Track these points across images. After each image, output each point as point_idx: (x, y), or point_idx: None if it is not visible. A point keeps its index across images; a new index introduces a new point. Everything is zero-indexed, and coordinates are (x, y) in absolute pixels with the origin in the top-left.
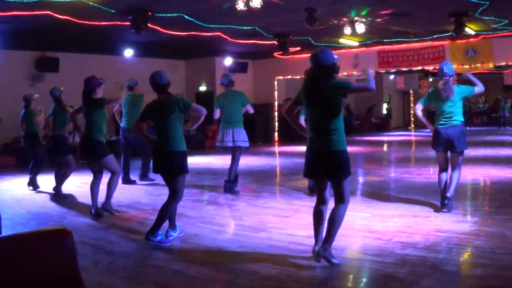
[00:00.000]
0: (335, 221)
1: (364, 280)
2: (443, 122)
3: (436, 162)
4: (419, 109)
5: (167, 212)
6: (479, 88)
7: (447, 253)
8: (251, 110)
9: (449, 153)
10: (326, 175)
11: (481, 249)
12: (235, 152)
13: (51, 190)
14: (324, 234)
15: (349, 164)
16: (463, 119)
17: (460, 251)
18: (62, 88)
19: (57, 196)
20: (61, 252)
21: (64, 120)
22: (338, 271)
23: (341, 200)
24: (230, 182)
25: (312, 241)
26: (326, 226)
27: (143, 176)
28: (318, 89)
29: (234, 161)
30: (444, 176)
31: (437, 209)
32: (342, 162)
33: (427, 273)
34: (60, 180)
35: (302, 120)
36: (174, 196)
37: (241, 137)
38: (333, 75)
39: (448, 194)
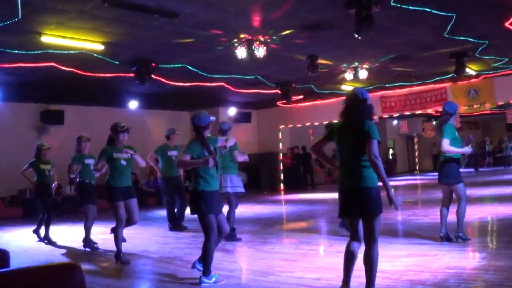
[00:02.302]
0: (373, 263)
1: None
2: (439, 158)
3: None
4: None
5: (207, 251)
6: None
7: None
8: (237, 157)
9: None
10: (358, 213)
11: (491, 282)
12: (229, 198)
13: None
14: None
15: (381, 201)
16: (452, 155)
17: (468, 286)
18: (89, 138)
19: (86, 245)
20: (70, 286)
21: (87, 167)
22: None
23: (372, 239)
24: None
25: (321, 283)
26: (365, 270)
27: (173, 227)
28: (352, 126)
29: (231, 207)
30: (444, 211)
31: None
32: (374, 198)
33: None
34: (85, 230)
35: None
36: (205, 236)
37: (232, 183)
38: (368, 112)
39: (457, 233)
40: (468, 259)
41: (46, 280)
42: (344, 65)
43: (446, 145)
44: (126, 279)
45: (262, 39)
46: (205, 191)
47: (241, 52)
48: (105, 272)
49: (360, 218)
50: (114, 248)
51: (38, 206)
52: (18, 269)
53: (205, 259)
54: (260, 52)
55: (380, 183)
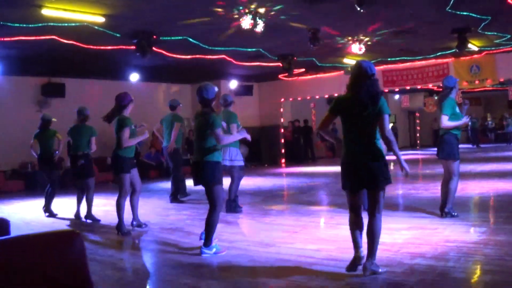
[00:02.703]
0: (376, 233)
1: None
2: (439, 133)
3: None
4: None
5: (211, 223)
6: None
7: (456, 261)
8: (233, 130)
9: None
10: (367, 185)
11: (490, 256)
12: (230, 170)
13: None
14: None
15: (389, 172)
16: (448, 131)
17: (469, 259)
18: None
19: (88, 217)
20: (71, 253)
21: (88, 140)
22: (348, 281)
23: (377, 210)
24: (232, 201)
25: (321, 254)
26: (368, 241)
27: (174, 198)
28: (360, 101)
29: (233, 179)
30: (443, 185)
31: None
32: (384, 170)
33: (435, 281)
34: (87, 205)
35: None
36: (212, 207)
37: (230, 156)
38: (375, 87)
39: (446, 209)
40: (468, 233)
41: (46, 248)
42: (346, 38)
43: (445, 121)
44: (127, 250)
45: (263, 11)
46: (219, 162)
47: (244, 24)
48: (106, 243)
49: (367, 190)
50: (115, 220)
51: (45, 178)
52: (18, 237)
53: (209, 230)
54: (261, 25)
55: None
